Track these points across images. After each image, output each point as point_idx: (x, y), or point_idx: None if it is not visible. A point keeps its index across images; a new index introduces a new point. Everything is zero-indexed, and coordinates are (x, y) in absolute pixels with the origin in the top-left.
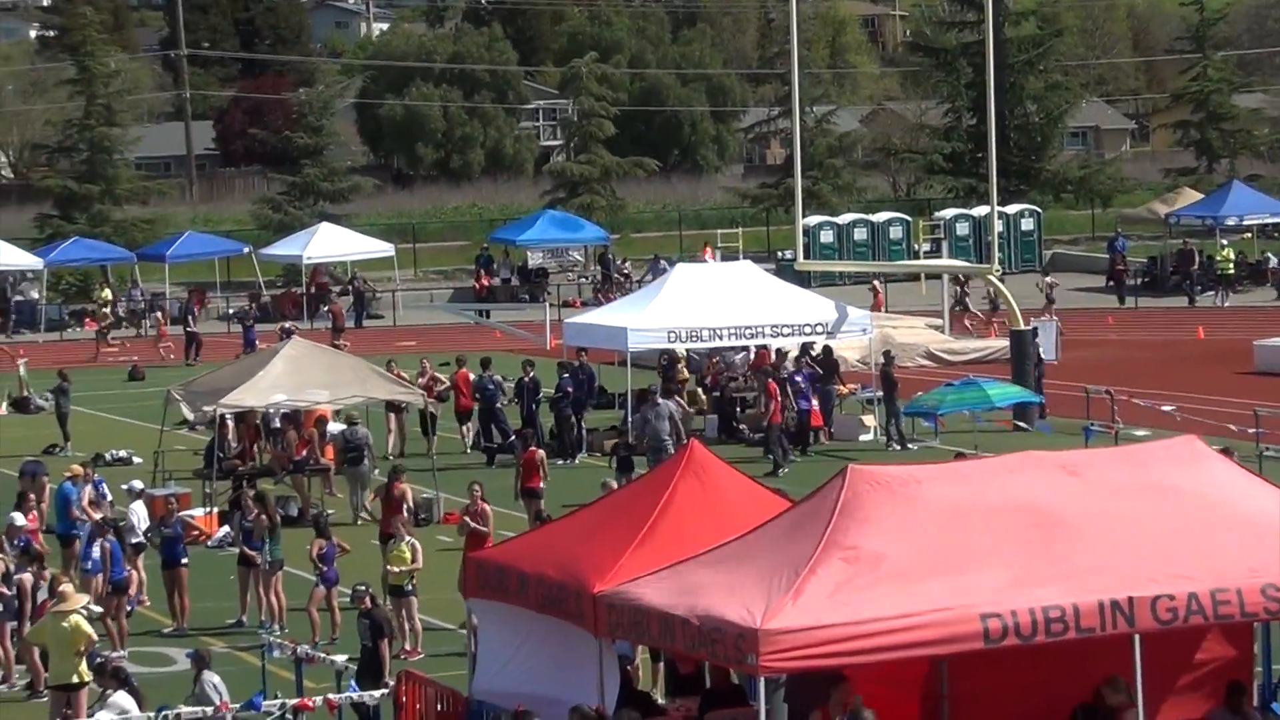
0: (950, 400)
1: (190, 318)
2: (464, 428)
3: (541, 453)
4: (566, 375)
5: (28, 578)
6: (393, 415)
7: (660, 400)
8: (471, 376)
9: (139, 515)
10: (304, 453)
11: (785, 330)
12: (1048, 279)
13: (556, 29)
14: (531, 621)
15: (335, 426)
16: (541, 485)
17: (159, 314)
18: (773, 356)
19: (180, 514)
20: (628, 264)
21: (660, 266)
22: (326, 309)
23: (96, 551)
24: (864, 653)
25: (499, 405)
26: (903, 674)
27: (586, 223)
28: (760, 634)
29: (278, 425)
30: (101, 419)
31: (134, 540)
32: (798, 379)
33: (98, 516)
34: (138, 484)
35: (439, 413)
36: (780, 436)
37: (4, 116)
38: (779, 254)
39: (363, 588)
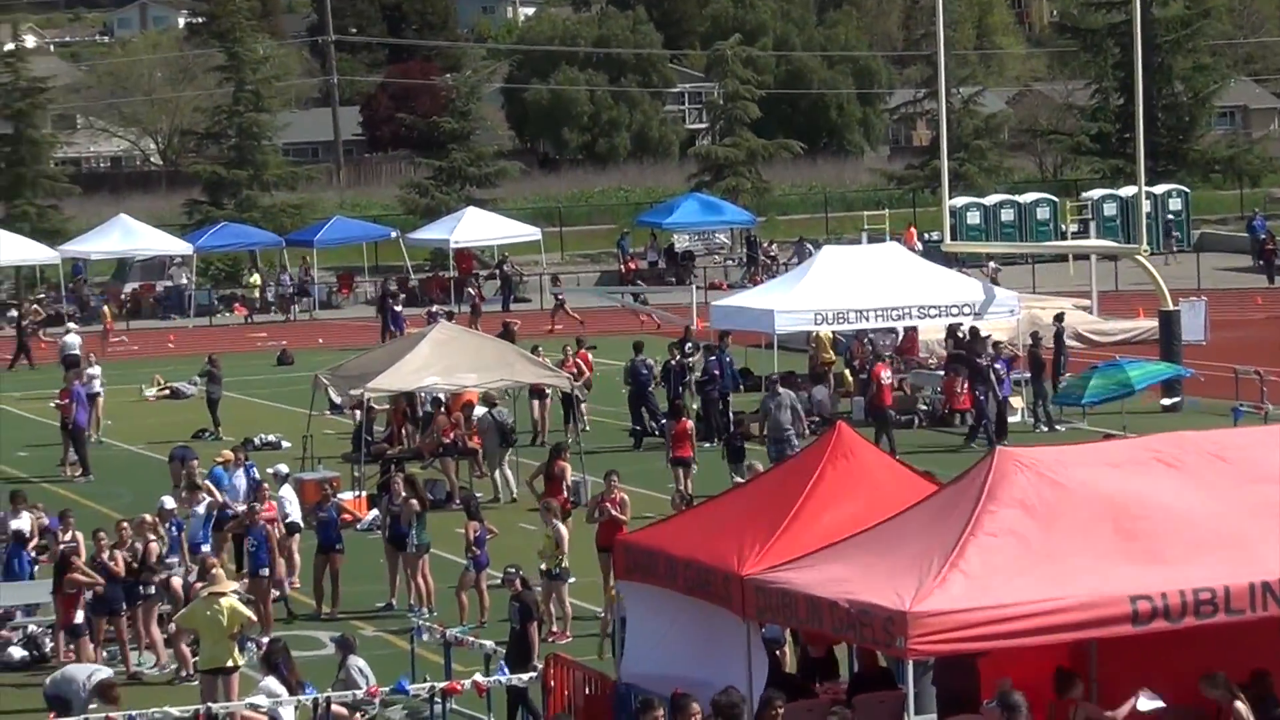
0: (1093, 389)
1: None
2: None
3: (691, 423)
4: (714, 358)
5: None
6: (536, 402)
7: (781, 390)
8: (591, 357)
9: (288, 499)
10: (451, 436)
11: (932, 312)
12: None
13: (702, 12)
14: (679, 604)
15: (477, 411)
16: (692, 454)
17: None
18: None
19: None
20: (774, 246)
21: (805, 249)
22: (471, 291)
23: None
24: (1011, 636)
25: (650, 389)
26: (1048, 657)
27: (732, 205)
28: (909, 617)
29: (428, 409)
30: (250, 404)
31: (286, 522)
32: (997, 366)
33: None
34: (283, 468)
35: (584, 397)
36: (889, 419)
37: (154, 103)
38: (926, 236)
39: (513, 570)
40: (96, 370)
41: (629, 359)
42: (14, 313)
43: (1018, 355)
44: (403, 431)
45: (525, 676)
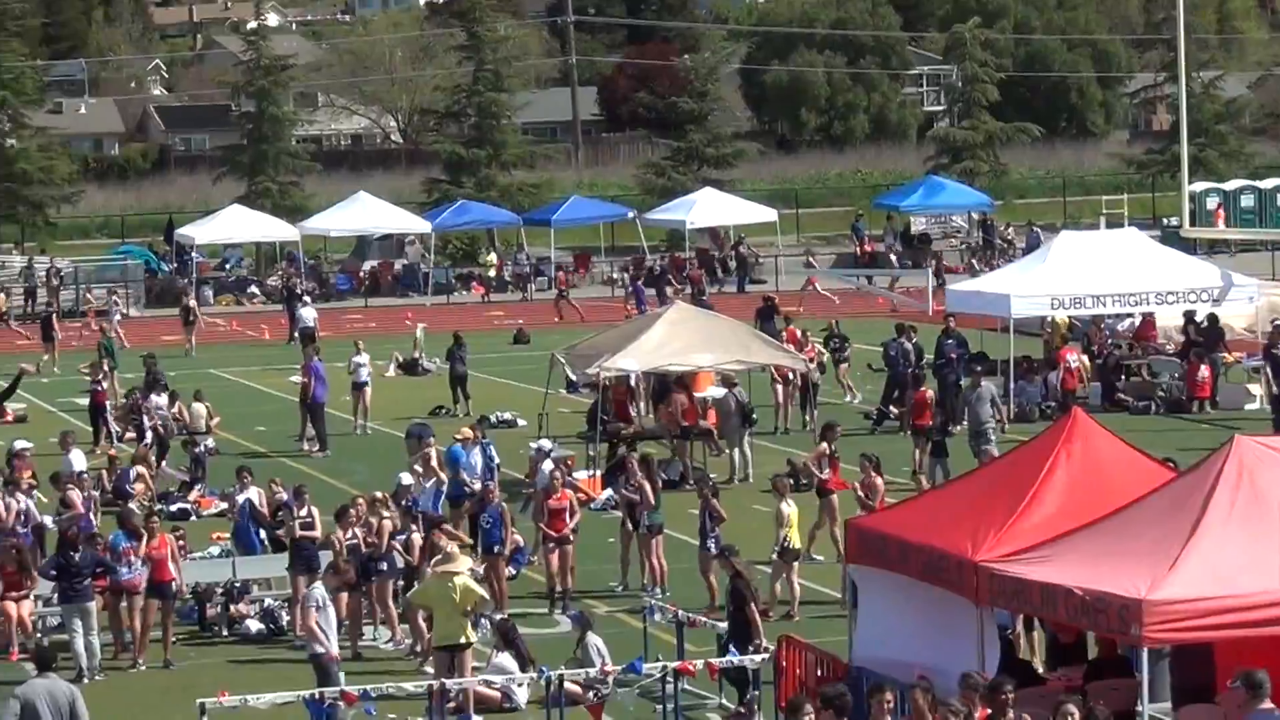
0: None
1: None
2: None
3: (931, 392)
4: (950, 340)
5: (417, 538)
6: (779, 386)
7: (983, 382)
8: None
9: (545, 475)
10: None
11: (1170, 298)
12: None
13: None
14: (912, 589)
15: (716, 391)
16: (932, 423)
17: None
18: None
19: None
20: (1010, 230)
21: (1035, 236)
22: (685, 274)
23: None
24: (1247, 625)
25: (902, 371)
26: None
27: (969, 189)
28: (1144, 605)
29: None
30: (487, 382)
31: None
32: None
33: (476, 484)
34: (546, 444)
35: (821, 381)
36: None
37: (394, 82)
38: (1165, 221)
39: (728, 551)
40: (364, 359)
41: (885, 339)
42: (252, 287)
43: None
44: (629, 410)
45: (758, 658)
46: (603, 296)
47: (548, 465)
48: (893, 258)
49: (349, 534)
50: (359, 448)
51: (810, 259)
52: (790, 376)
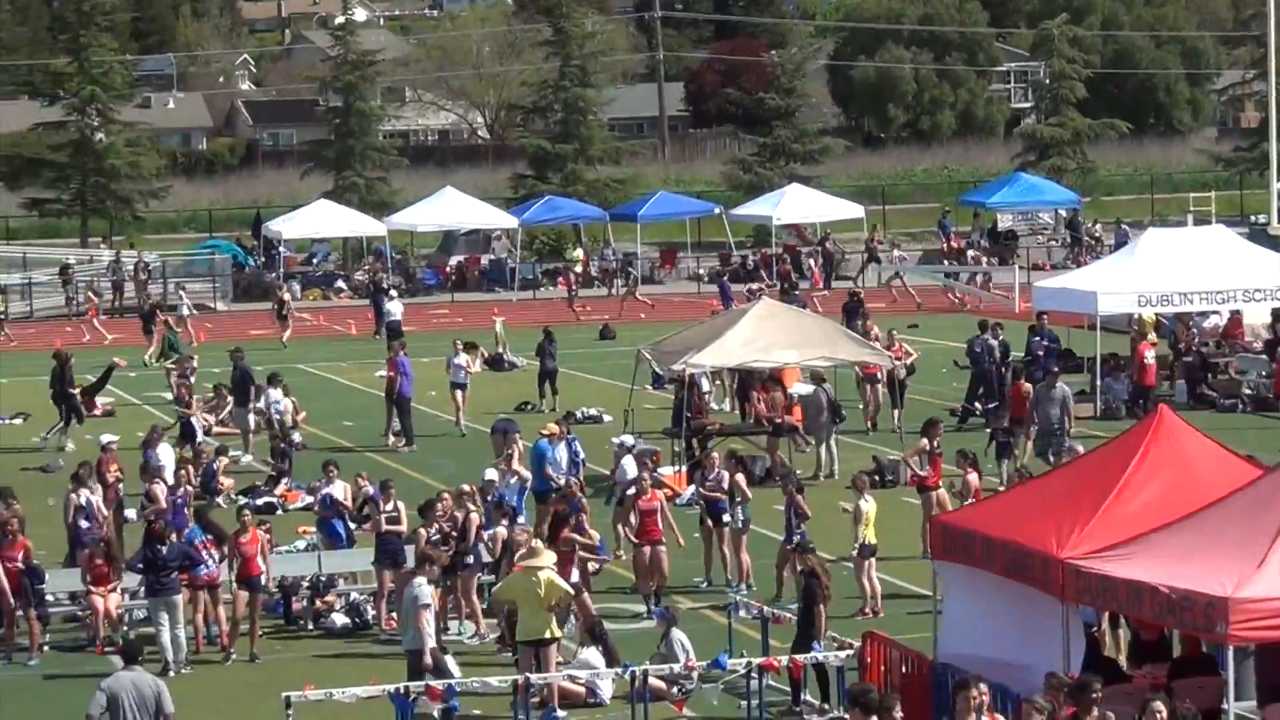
0: None
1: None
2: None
3: (1029, 386)
4: (1038, 338)
5: (502, 531)
6: (868, 386)
7: (1058, 383)
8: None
9: (629, 470)
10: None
11: (1258, 295)
12: None
13: None
14: (996, 586)
15: (803, 387)
16: (1029, 417)
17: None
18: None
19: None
20: (1098, 227)
21: (1123, 232)
22: (777, 269)
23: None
24: None
25: (987, 368)
26: None
27: (1056, 185)
28: (1230, 603)
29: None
30: (573, 377)
31: (632, 493)
32: None
33: (561, 480)
34: (628, 439)
35: (909, 380)
36: (1150, 399)
37: (481, 77)
38: (1253, 219)
39: (801, 545)
40: (463, 360)
41: (970, 336)
42: (339, 282)
43: None
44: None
45: (842, 654)
46: (688, 292)
47: (629, 461)
48: (971, 254)
49: (434, 529)
50: (445, 443)
51: (880, 247)
52: (879, 375)
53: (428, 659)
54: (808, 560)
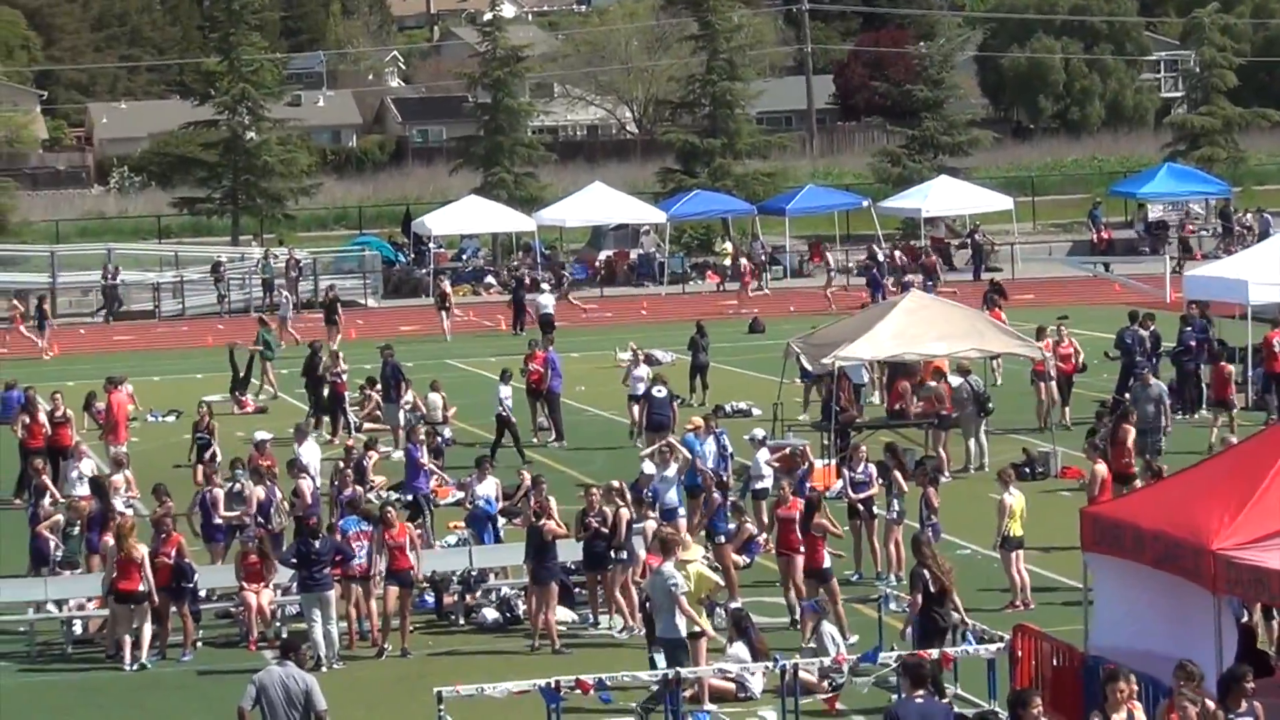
0: None
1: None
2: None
3: (1231, 368)
4: (1189, 328)
5: (650, 525)
6: (1041, 383)
7: (1152, 380)
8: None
9: (760, 464)
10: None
11: None
12: None
13: None
14: (1147, 577)
15: (951, 380)
16: (1231, 395)
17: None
18: None
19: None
20: (1249, 216)
21: (1264, 220)
22: (919, 262)
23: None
24: None
25: (1138, 359)
26: None
27: (1207, 175)
28: None
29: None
30: (722, 371)
31: (757, 487)
32: None
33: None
34: (759, 433)
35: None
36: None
37: (629, 72)
38: None
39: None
40: (643, 372)
41: (1121, 327)
42: (488, 277)
43: None
44: (848, 399)
45: (992, 647)
46: (838, 286)
47: (763, 454)
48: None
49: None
50: (594, 437)
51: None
52: (1050, 372)
53: (703, 640)
54: (920, 549)
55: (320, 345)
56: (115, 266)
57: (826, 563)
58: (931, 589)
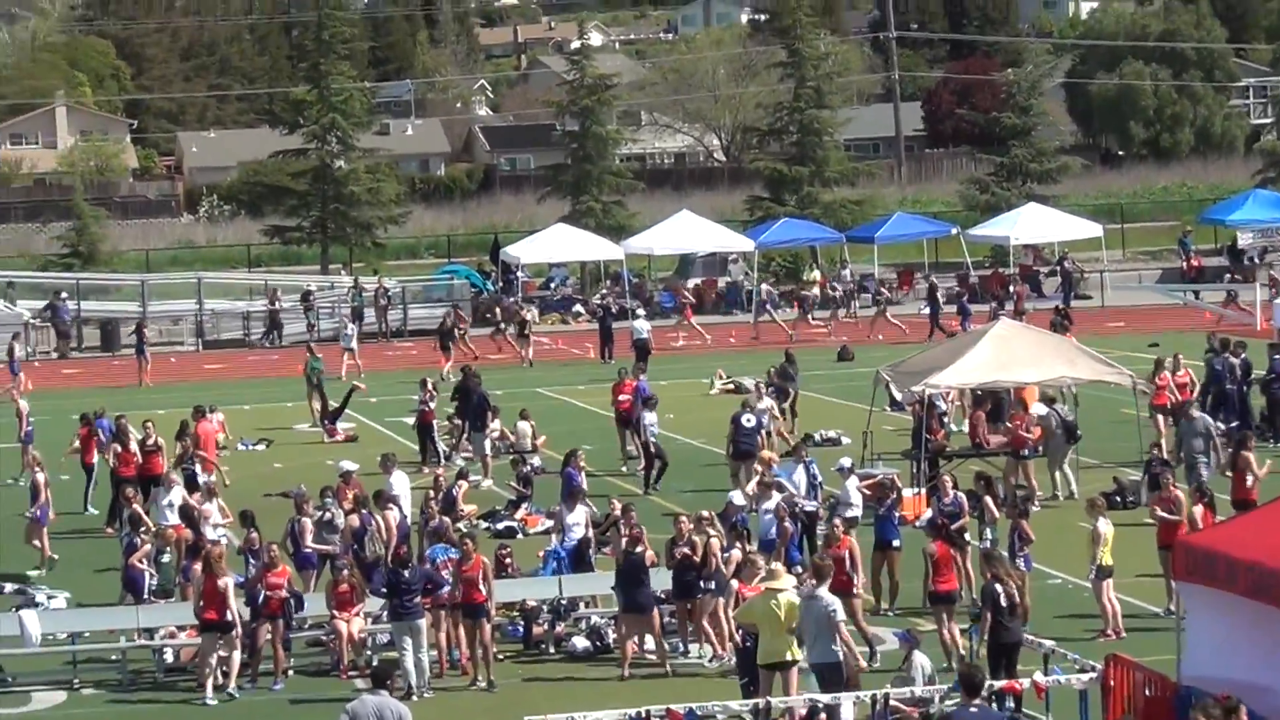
0: None
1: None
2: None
3: None
4: (1278, 357)
5: (736, 554)
6: (1158, 416)
7: (1196, 414)
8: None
9: (850, 492)
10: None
11: None
12: None
13: (1267, 5)
14: (1241, 607)
15: (1039, 408)
16: None
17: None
18: None
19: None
20: None
21: None
22: (1013, 289)
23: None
24: None
25: (1228, 386)
26: None
27: None
28: None
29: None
30: (811, 399)
31: (848, 515)
32: None
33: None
34: (846, 461)
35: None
36: None
37: (717, 100)
38: None
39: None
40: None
41: (1208, 353)
42: (576, 306)
43: None
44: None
45: (1085, 677)
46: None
47: (852, 482)
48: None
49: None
50: (683, 465)
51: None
52: (1167, 404)
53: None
54: (992, 567)
55: (469, 369)
56: (275, 288)
57: (952, 585)
58: (1002, 603)
